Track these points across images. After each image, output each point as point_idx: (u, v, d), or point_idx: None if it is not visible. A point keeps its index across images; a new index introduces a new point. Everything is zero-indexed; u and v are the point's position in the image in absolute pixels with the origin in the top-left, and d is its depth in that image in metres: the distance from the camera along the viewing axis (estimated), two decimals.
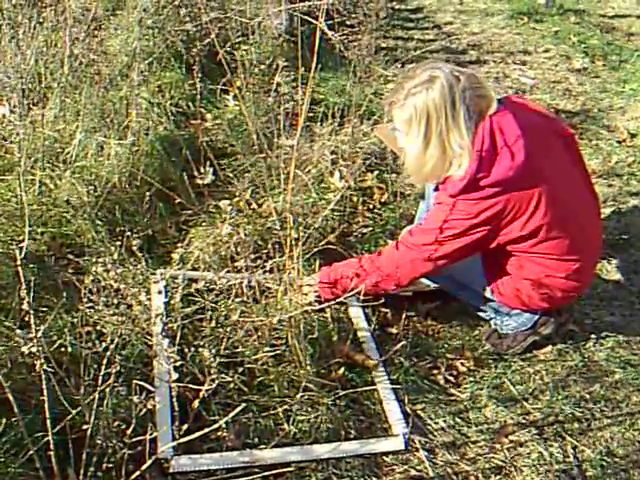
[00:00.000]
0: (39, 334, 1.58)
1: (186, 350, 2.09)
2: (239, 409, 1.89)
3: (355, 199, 3.34)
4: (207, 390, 1.81)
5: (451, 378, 2.60)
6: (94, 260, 2.62)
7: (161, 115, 3.70)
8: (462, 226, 2.29)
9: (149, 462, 1.84)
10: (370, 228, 3.23)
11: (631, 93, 4.67)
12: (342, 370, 2.49)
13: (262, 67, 4.19)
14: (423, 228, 2.41)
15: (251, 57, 4.31)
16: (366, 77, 3.99)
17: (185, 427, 1.95)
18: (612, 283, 3.12)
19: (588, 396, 2.58)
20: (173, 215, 3.10)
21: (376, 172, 3.49)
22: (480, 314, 2.74)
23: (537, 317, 2.63)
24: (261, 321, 2.44)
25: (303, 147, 3.45)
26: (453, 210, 2.27)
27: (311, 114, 3.85)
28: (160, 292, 2.60)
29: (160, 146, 3.32)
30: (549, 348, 2.76)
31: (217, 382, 1.77)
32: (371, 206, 3.35)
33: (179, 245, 2.87)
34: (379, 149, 3.55)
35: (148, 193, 3.03)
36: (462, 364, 2.67)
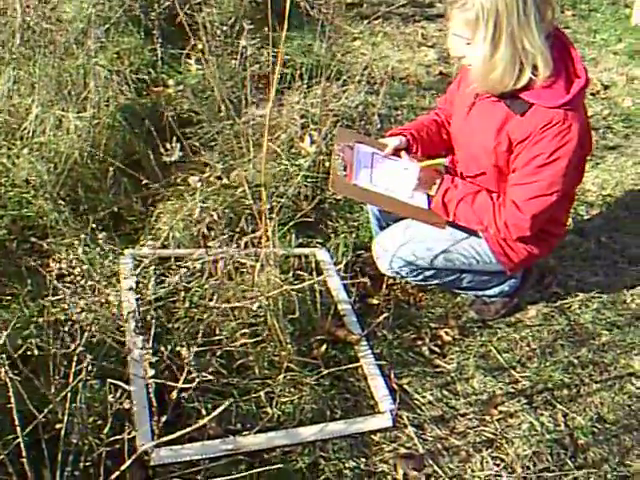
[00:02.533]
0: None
1: (161, 346, 1.98)
2: (220, 409, 1.77)
3: (328, 164, 3.21)
4: (184, 384, 1.70)
5: (436, 349, 2.53)
6: (59, 243, 2.52)
7: (121, 84, 3.52)
8: (573, 146, 2.09)
9: (129, 461, 1.74)
10: None
11: (602, 43, 4.59)
12: (324, 347, 2.40)
13: (225, 29, 4.05)
14: (534, 172, 2.13)
15: (213, 19, 4.16)
16: (334, 36, 3.84)
17: (164, 419, 1.85)
18: (594, 242, 3.07)
19: (576, 361, 2.52)
20: (139, 190, 2.96)
21: None
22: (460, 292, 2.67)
23: (519, 283, 2.56)
24: (237, 301, 2.33)
25: (271, 112, 3.30)
26: (566, 123, 2.05)
27: (278, 76, 3.69)
28: (129, 276, 2.48)
29: (122, 117, 3.16)
30: (534, 312, 2.69)
31: (197, 380, 1.64)
32: None
33: (147, 222, 2.77)
34: (350, 110, 3.41)
35: (111, 169, 2.88)
36: (446, 333, 2.59)
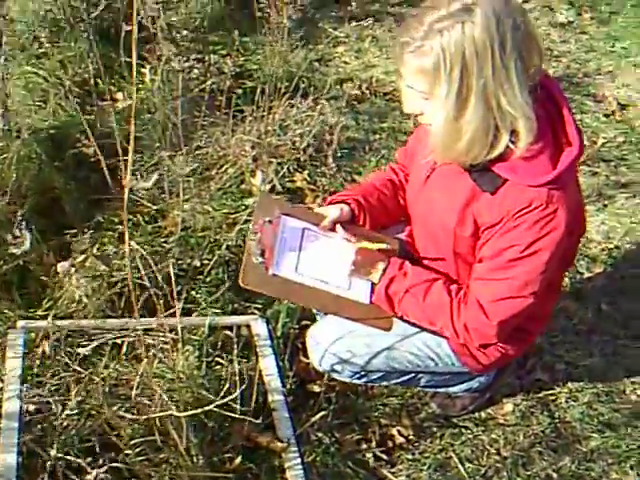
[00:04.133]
0: None
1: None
2: None
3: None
4: None
5: (383, 455, 2.07)
6: None
7: (61, 97, 3.07)
8: (558, 236, 1.60)
9: None
10: None
11: (622, 53, 4.00)
12: (239, 459, 1.94)
13: (185, 33, 3.58)
14: (505, 264, 1.64)
15: (176, 20, 3.69)
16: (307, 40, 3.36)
17: None
18: (592, 310, 2.56)
19: (555, 475, 2.06)
20: (54, 235, 2.50)
21: (307, 171, 2.87)
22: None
23: (491, 379, 2.07)
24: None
25: (219, 140, 2.84)
26: (550, 207, 1.56)
27: (239, 90, 3.23)
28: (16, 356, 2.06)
29: (41, 145, 2.70)
30: (510, 407, 2.22)
31: None
32: None
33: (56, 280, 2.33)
34: (314, 140, 2.92)
35: (21, 211, 2.44)
36: (399, 432, 2.13)
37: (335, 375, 1.96)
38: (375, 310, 1.78)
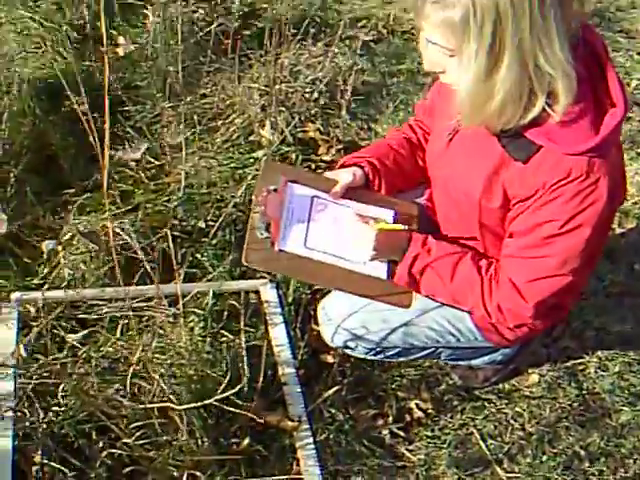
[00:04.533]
0: None
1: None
2: None
3: (293, 156, 2.57)
4: None
5: (400, 432, 1.95)
6: None
7: (57, 43, 2.89)
8: (600, 209, 1.41)
9: None
10: None
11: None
12: (246, 441, 1.83)
13: None
14: (542, 241, 1.46)
15: None
16: None
17: None
18: (625, 269, 2.39)
19: (583, 452, 1.94)
20: (50, 195, 2.36)
21: (320, 120, 2.68)
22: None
23: (516, 350, 1.93)
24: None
25: (226, 87, 2.66)
26: (591, 177, 1.38)
27: (247, 32, 3.03)
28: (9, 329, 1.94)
29: (36, 98, 2.54)
30: (536, 378, 2.09)
31: None
32: (313, 166, 2.59)
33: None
34: (327, 86, 2.72)
35: (14, 170, 2.30)
36: (417, 406, 2.01)
37: (348, 351, 1.83)
38: (394, 286, 1.62)
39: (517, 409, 2.01)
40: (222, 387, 1.66)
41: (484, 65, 1.30)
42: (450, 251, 1.59)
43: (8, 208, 2.26)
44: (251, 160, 2.51)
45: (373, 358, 1.85)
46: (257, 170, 2.45)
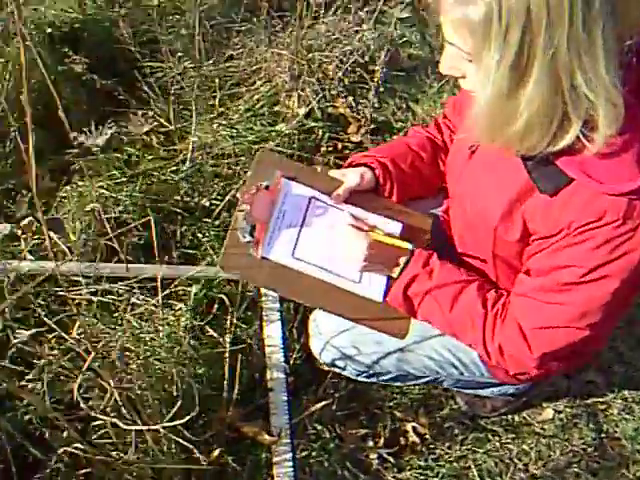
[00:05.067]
0: None
1: None
2: None
3: (320, 132, 2.36)
4: None
5: (390, 458, 1.77)
6: None
7: None
8: (635, 262, 1.18)
9: None
10: None
11: None
12: (217, 452, 1.68)
13: None
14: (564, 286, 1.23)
15: None
16: None
17: None
18: None
19: None
20: (53, 154, 2.21)
21: (353, 96, 2.45)
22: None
23: (530, 385, 1.72)
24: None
25: (254, 51, 2.44)
26: (629, 224, 1.14)
27: None
28: None
29: (49, 48, 2.37)
30: (550, 413, 1.88)
31: None
32: (340, 146, 2.38)
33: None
34: (366, 58, 2.48)
35: (15, 125, 2.14)
36: (414, 430, 1.83)
37: (337, 370, 1.64)
38: (390, 311, 1.42)
39: (524, 446, 1.81)
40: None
41: (507, 79, 1.07)
42: (455, 277, 1.37)
43: (7, 164, 2.11)
44: (273, 133, 2.31)
45: (365, 380, 1.66)
46: (278, 145, 2.25)
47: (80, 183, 2.08)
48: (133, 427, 1.40)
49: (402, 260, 1.38)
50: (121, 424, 1.38)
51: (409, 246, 1.38)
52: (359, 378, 1.64)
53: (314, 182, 1.49)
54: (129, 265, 1.78)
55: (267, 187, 1.44)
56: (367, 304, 1.41)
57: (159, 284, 1.61)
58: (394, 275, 1.40)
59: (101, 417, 1.43)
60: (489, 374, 1.56)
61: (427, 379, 1.64)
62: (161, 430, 1.56)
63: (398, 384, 1.72)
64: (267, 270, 1.39)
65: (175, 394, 1.66)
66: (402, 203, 1.54)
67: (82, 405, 1.48)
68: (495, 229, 1.30)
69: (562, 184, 1.16)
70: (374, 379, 1.64)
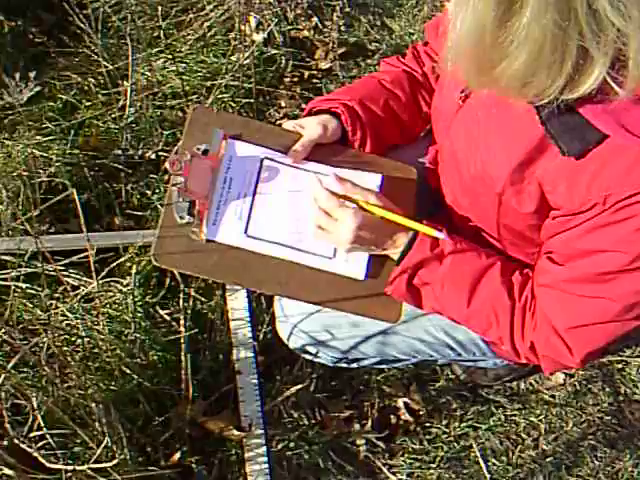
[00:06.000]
0: None
1: None
2: None
3: (282, 61, 2.05)
4: None
5: (380, 443, 1.54)
6: None
7: None
8: None
9: None
10: (297, 113, 1.96)
11: None
12: (178, 455, 1.45)
13: None
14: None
15: None
16: None
17: None
18: None
19: None
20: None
21: (317, 17, 2.12)
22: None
23: None
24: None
25: None
26: None
27: None
28: None
29: None
30: (561, 378, 1.65)
31: None
32: (306, 74, 2.07)
33: None
34: None
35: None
36: (406, 406, 1.60)
37: (309, 357, 1.39)
38: (375, 289, 1.15)
39: (532, 418, 1.59)
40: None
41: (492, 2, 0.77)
42: (472, 259, 1.08)
43: None
44: (227, 66, 1.98)
45: (345, 367, 1.41)
46: (234, 79, 1.94)
47: (7, 142, 1.78)
48: (61, 466, 1.15)
49: (400, 239, 1.10)
50: (45, 462, 1.12)
51: (428, 230, 1.07)
52: (338, 365, 1.39)
53: (265, 138, 1.21)
54: (49, 237, 1.50)
55: (206, 152, 1.15)
56: (346, 284, 1.14)
57: (91, 259, 1.34)
58: (395, 257, 1.11)
59: (26, 449, 1.17)
60: (493, 353, 1.31)
61: (416, 360, 1.39)
62: (107, 441, 1.33)
63: (383, 367, 1.48)
64: (214, 256, 1.12)
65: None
66: (377, 154, 1.25)
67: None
68: (499, 196, 1.02)
69: (591, 142, 0.87)
70: (355, 365, 1.39)
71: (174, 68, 1.96)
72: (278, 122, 1.92)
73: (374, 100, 1.24)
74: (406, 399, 1.60)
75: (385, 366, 1.44)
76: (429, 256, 1.07)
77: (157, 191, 1.78)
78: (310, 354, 1.35)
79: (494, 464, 1.53)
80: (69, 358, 1.43)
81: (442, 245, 1.08)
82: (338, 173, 1.15)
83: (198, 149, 1.15)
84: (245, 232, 1.13)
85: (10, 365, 1.18)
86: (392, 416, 1.59)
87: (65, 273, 1.54)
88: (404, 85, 1.28)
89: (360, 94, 1.24)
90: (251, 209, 1.15)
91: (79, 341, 1.52)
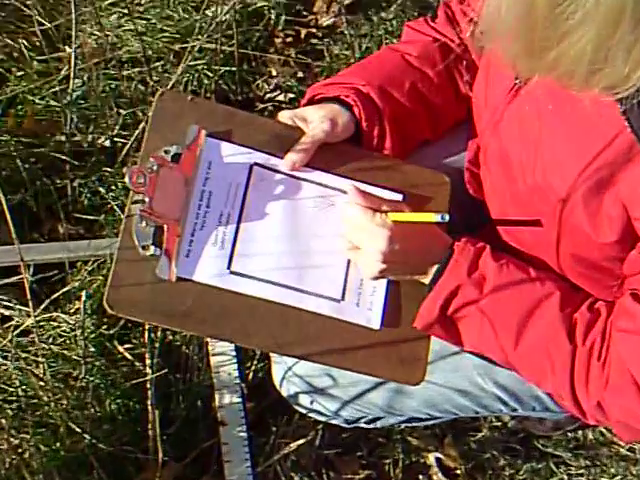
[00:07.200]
0: None
1: None
2: None
3: (272, 15, 1.71)
4: None
5: None
6: None
7: None
8: None
9: None
10: (292, 83, 1.65)
11: None
12: None
13: None
14: None
15: None
16: None
17: None
18: None
19: None
20: None
21: None
22: None
23: None
24: None
25: None
26: None
27: None
28: None
29: None
30: None
31: None
32: (303, 33, 1.73)
33: None
34: None
35: None
36: (438, 463, 1.28)
37: (302, 410, 1.06)
38: (392, 340, 0.89)
39: (604, 479, 1.24)
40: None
41: None
42: (522, 287, 0.85)
43: None
44: (204, 23, 1.61)
45: (363, 427, 1.08)
46: (210, 41, 1.57)
47: None
48: None
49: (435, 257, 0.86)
50: None
51: (436, 218, 0.82)
52: (340, 424, 1.06)
53: (255, 136, 0.90)
54: None
55: (176, 156, 0.81)
56: (357, 335, 0.89)
57: (26, 281, 1.02)
58: (425, 281, 0.87)
59: None
60: (560, 411, 1.02)
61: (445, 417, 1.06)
62: None
63: (414, 425, 1.14)
64: (188, 301, 0.84)
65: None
66: (399, 156, 0.96)
67: None
68: (567, 216, 0.80)
69: None
70: (378, 424, 1.06)
71: (132, 27, 1.59)
72: (268, 97, 1.59)
73: (396, 84, 0.96)
74: (439, 454, 1.31)
75: (417, 424, 1.10)
76: (466, 281, 0.85)
77: (113, 188, 1.44)
78: (302, 407, 1.05)
79: None
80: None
81: (482, 267, 0.84)
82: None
83: (167, 152, 0.85)
84: (228, 267, 0.86)
85: None
86: (421, 476, 1.27)
87: None
88: (436, 60, 0.99)
89: (378, 76, 0.96)
90: (236, 236, 0.87)
91: (12, 389, 1.22)
